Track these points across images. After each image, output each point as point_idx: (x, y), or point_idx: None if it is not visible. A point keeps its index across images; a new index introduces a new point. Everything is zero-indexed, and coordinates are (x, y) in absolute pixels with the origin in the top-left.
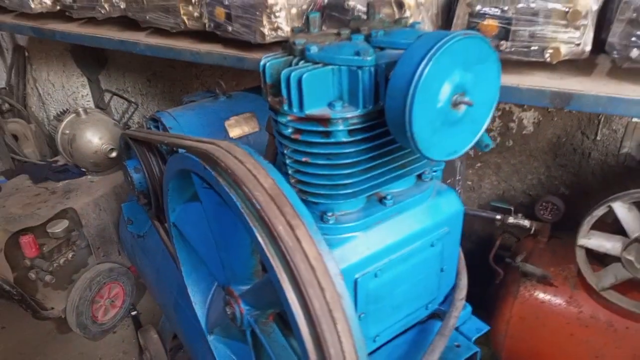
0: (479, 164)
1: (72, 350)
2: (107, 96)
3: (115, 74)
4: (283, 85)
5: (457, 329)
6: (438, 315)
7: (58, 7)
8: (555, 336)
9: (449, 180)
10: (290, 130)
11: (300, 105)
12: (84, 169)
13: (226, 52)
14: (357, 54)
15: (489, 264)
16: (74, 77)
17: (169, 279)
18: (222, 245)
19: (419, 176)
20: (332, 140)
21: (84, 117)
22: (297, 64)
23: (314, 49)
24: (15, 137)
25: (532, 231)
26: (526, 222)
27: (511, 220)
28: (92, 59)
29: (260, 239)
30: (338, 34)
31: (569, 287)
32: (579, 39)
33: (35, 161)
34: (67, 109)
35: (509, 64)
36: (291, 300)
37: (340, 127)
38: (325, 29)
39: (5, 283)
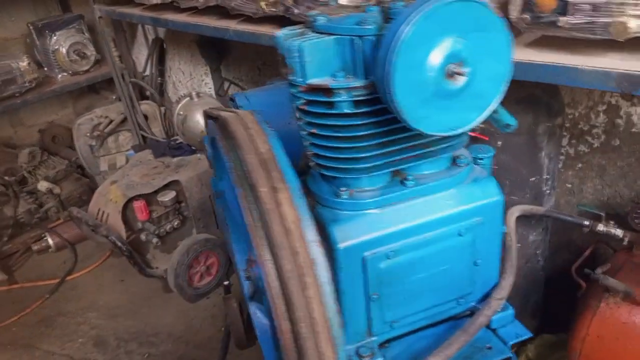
0: (580, 165)
1: (171, 308)
2: (225, 84)
3: (233, 64)
4: (288, 55)
5: (494, 331)
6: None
7: None
8: None
9: (533, 179)
10: (300, 101)
11: (303, 75)
12: (194, 147)
13: None
14: (359, 23)
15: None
16: (199, 67)
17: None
18: (239, 211)
19: (454, 160)
20: (336, 111)
21: (196, 100)
22: (307, 34)
23: (321, 20)
24: (146, 117)
25: (624, 242)
26: (618, 232)
27: (601, 228)
28: (214, 50)
29: (241, 199)
30: (357, 7)
31: None
32: None
33: (157, 138)
34: (184, 94)
35: (574, 43)
36: (265, 262)
37: (344, 98)
38: (346, 3)
39: (119, 240)
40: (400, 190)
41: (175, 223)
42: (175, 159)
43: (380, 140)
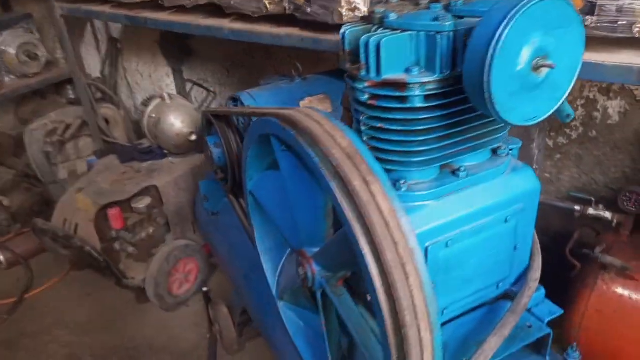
0: (558, 156)
1: (148, 319)
2: (188, 86)
3: (197, 65)
4: (362, 50)
5: (529, 310)
6: (509, 295)
7: None
8: (633, 332)
9: None
10: (366, 96)
11: (378, 70)
12: (166, 151)
13: (304, 35)
14: (436, 19)
15: (565, 259)
16: (160, 68)
17: (241, 254)
18: (297, 207)
19: (495, 151)
20: (408, 105)
21: (169, 102)
22: (376, 31)
23: (392, 16)
24: (107, 121)
25: (613, 224)
26: (608, 214)
27: (591, 211)
28: (177, 51)
29: (336, 193)
30: (417, 4)
31: None
32: None
33: (123, 143)
34: (153, 95)
35: (595, 41)
36: (365, 253)
37: (417, 92)
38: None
39: (95, 251)
40: (454, 181)
41: (150, 230)
42: (145, 164)
43: (444, 133)
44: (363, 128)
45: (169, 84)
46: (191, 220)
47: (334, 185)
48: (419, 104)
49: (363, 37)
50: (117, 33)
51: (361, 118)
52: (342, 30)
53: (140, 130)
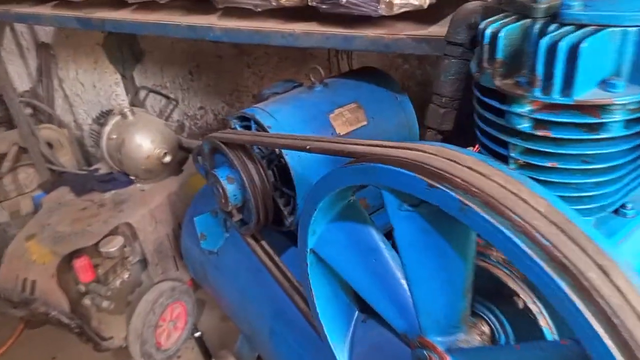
0: None
1: None
2: (142, 94)
3: (152, 69)
4: (541, 59)
5: None
6: None
7: None
8: None
9: None
10: (529, 124)
11: (567, 87)
12: (133, 177)
13: (329, 31)
14: None
15: None
16: (107, 75)
17: (260, 302)
18: (417, 283)
19: None
20: (603, 135)
21: (131, 118)
22: (545, 28)
23: (576, 6)
24: (50, 145)
25: None
26: None
27: None
28: (127, 53)
29: (568, 292)
30: None
31: None
32: None
33: (75, 171)
34: (109, 110)
35: None
36: None
37: (617, 117)
38: None
39: (64, 315)
40: (623, 224)
41: (126, 276)
42: (108, 194)
43: (629, 169)
44: (513, 166)
45: (119, 93)
46: (172, 255)
47: (560, 282)
48: (617, 132)
49: (545, 39)
50: (49, 37)
51: (512, 154)
52: (487, 30)
53: (85, 151)
